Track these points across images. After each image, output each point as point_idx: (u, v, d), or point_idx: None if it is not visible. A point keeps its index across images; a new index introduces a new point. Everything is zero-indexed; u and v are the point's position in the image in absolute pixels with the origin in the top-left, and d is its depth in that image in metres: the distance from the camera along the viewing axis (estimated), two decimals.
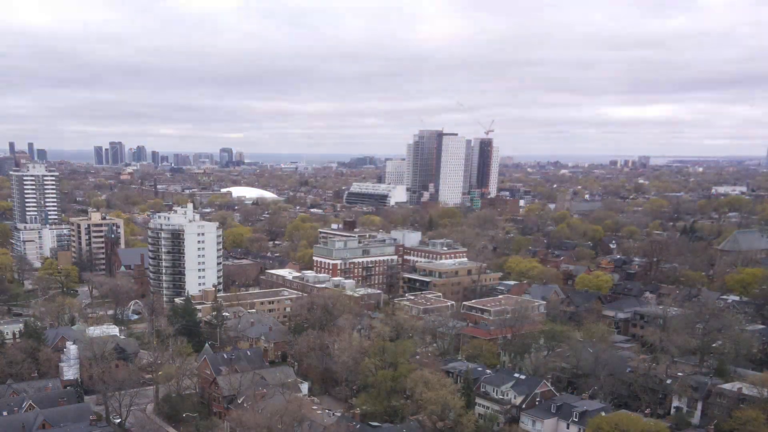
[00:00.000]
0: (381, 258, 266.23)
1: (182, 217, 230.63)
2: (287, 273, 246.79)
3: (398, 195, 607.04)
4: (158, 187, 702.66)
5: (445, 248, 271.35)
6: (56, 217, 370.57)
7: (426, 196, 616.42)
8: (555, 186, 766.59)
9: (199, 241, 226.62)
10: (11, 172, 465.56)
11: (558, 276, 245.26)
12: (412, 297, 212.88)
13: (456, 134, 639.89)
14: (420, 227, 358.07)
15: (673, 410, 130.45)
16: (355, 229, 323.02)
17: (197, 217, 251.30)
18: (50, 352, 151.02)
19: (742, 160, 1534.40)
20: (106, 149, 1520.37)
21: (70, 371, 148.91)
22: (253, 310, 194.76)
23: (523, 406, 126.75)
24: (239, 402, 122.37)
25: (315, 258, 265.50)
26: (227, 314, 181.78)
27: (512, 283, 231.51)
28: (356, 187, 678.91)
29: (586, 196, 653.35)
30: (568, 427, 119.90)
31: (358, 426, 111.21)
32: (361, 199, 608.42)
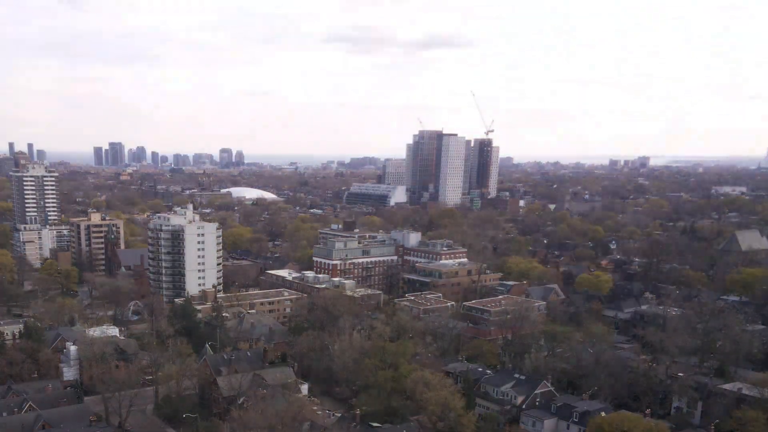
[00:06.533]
0: (381, 258, 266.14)
1: (182, 218, 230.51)
2: (287, 273, 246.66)
3: (398, 195, 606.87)
4: (158, 187, 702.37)
5: (445, 248, 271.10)
6: (56, 217, 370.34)
7: (426, 196, 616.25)
8: (555, 186, 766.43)
9: (198, 242, 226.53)
10: (11, 173, 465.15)
11: (558, 276, 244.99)
12: (412, 297, 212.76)
13: (456, 134, 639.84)
14: (420, 227, 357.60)
15: (673, 410, 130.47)
16: (355, 230, 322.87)
17: (197, 217, 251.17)
18: (50, 352, 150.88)
19: (742, 160, 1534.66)
20: (106, 150, 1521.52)
21: (70, 372, 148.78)
22: (253, 311, 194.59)
23: (524, 406, 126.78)
24: (239, 403, 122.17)
25: (315, 258, 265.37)
26: (227, 315, 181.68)
27: (512, 283, 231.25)
28: (356, 187, 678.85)
29: (586, 196, 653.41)
30: (568, 428, 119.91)
31: (358, 427, 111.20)
32: (361, 199, 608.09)
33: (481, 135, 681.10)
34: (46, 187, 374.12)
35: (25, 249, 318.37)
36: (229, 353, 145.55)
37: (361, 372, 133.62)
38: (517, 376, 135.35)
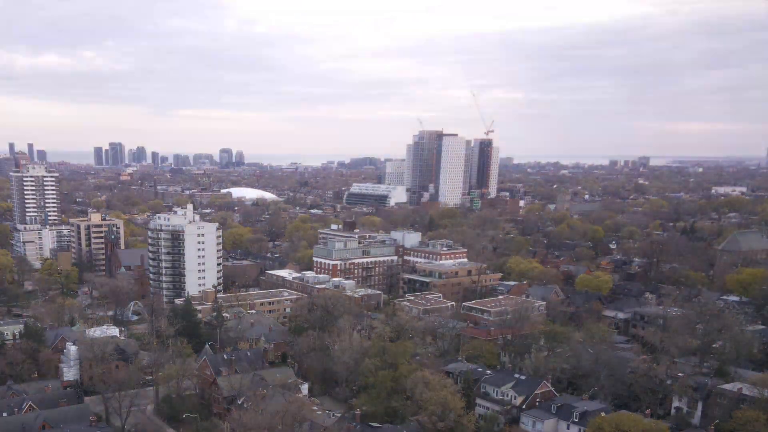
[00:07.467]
0: (381, 258, 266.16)
1: (182, 218, 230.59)
2: (287, 274, 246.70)
3: (398, 195, 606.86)
4: (158, 187, 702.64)
5: (445, 249, 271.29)
6: (56, 217, 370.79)
7: (426, 196, 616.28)
8: (555, 186, 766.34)
9: (199, 242, 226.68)
10: (11, 173, 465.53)
11: (558, 276, 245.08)
12: (412, 297, 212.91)
13: (456, 134, 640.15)
14: (420, 228, 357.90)
15: (673, 411, 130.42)
16: (355, 230, 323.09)
17: (197, 217, 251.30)
18: (50, 353, 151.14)
19: (742, 160, 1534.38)
20: (106, 150, 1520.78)
21: (70, 372, 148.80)
22: (253, 311, 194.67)
23: (524, 406, 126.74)
24: (239, 403, 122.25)
25: (315, 258, 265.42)
26: (227, 315, 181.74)
27: (512, 283, 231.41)
28: (356, 187, 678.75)
29: (586, 196, 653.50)
30: (568, 428, 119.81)
31: (358, 427, 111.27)
32: (361, 199, 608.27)
33: (480, 135, 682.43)
34: (46, 188, 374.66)
35: (25, 249, 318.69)
36: (229, 353, 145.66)
37: (361, 372, 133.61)
38: (517, 376, 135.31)
